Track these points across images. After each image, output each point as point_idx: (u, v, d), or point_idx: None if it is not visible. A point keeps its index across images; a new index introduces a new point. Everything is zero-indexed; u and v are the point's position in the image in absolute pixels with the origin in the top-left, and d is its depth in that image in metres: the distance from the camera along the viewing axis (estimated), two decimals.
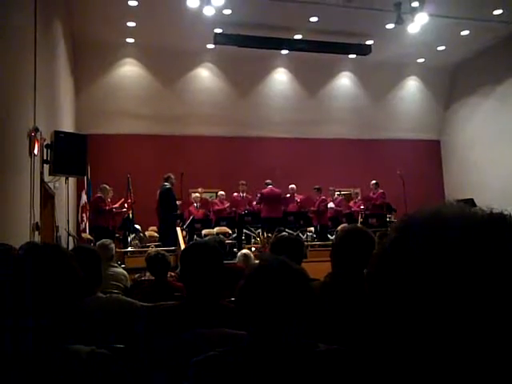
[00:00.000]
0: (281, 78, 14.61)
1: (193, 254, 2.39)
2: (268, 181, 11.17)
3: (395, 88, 15.53)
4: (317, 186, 11.61)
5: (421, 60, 14.86)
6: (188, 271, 2.36)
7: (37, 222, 6.57)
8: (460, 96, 15.39)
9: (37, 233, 6.56)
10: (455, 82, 15.54)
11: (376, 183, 11.79)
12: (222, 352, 1.46)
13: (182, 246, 8.57)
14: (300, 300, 1.44)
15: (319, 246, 10.29)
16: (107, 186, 10.15)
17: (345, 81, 15.09)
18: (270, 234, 9.88)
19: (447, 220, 0.61)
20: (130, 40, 12.88)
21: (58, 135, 7.61)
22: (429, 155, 15.75)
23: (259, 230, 10.43)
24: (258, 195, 11.10)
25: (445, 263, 0.57)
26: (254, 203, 11.38)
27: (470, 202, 12.16)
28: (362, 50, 13.11)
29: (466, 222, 0.61)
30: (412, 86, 15.70)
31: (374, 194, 11.74)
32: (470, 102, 14.95)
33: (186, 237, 9.92)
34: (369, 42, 13.01)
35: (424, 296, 0.57)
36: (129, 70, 13.44)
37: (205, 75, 14.02)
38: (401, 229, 0.65)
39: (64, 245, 8.76)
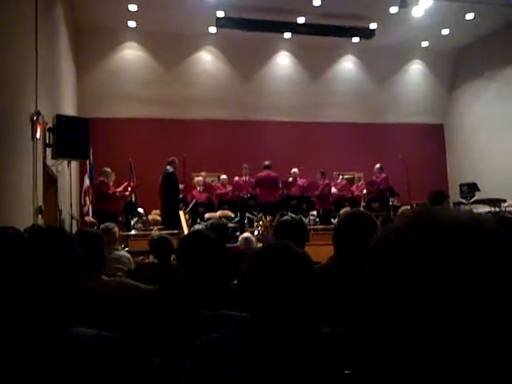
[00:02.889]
0: (283, 61, 14.52)
1: (189, 245, 2.41)
2: (266, 162, 10.89)
3: (399, 72, 15.42)
4: (322, 170, 11.58)
5: (425, 44, 14.72)
6: (186, 262, 2.38)
7: (40, 206, 6.60)
8: (464, 80, 15.27)
9: (40, 216, 6.59)
10: (459, 65, 15.42)
11: (380, 167, 11.76)
12: (224, 334, 1.47)
13: (185, 230, 8.61)
14: (303, 284, 1.45)
15: (322, 229, 10.32)
16: (109, 170, 10.14)
17: (348, 65, 14.98)
18: (272, 218, 9.91)
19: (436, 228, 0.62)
20: (132, 24, 12.79)
21: (60, 119, 7.61)
22: (432, 139, 15.68)
23: (261, 214, 10.44)
24: (255, 179, 11.01)
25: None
26: (252, 181, 11.30)
27: (473, 186, 12.08)
28: (366, 34, 12.99)
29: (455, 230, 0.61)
30: (416, 69, 15.58)
31: (377, 178, 11.72)
32: (475, 85, 14.84)
33: (188, 220, 9.95)
34: (372, 26, 12.88)
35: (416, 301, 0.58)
36: (130, 53, 13.36)
37: (207, 59, 13.94)
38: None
39: (67, 228, 8.80)
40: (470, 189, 12.35)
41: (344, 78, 14.88)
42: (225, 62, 13.99)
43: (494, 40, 13.64)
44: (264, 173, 10.80)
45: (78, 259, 1.43)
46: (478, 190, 12.22)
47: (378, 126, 15.03)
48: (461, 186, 12.86)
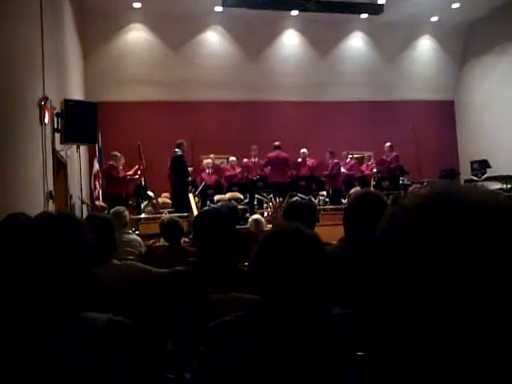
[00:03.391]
0: (291, 40, 14.36)
1: (205, 220, 2.40)
2: (276, 143, 10.92)
3: (408, 48, 15.20)
4: (330, 150, 11.52)
5: (434, 18, 14.46)
6: (201, 237, 2.38)
7: (50, 191, 6.63)
8: (475, 55, 15.02)
9: (51, 201, 6.62)
10: (470, 40, 15.16)
11: (390, 146, 11.67)
12: (237, 317, 1.47)
13: (195, 212, 8.62)
14: (314, 265, 1.44)
15: (332, 209, 10.30)
16: (118, 154, 10.16)
17: (356, 42, 14.79)
18: (281, 199, 9.90)
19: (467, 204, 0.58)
20: (137, 5, 12.68)
21: (67, 103, 7.60)
22: (443, 116, 15.51)
23: (271, 195, 10.43)
24: (266, 159, 11.05)
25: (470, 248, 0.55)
26: (261, 162, 11.30)
27: (485, 163, 11.96)
28: (374, 10, 12.78)
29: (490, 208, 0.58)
30: (425, 45, 15.35)
31: (387, 156, 11.65)
32: (485, 60, 14.59)
33: (198, 203, 9.97)
34: (381, 1, 12.65)
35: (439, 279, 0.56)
36: (136, 35, 13.28)
37: (213, 39, 13.82)
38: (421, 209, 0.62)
39: (78, 213, 8.87)
40: (481, 166, 12.24)
41: (352, 55, 14.70)
42: (231, 42, 13.87)
43: (506, 13, 13.36)
44: (274, 153, 10.82)
45: (88, 245, 1.43)
46: (489, 166, 12.10)
47: (388, 103, 14.87)
48: (472, 163, 12.75)
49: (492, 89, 14.26)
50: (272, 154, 10.84)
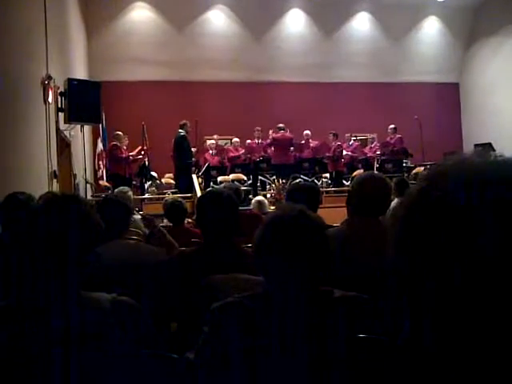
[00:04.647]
0: (296, 20, 14.19)
1: (208, 202, 2.42)
2: (280, 125, 10.89)
3: (414, 29, 15.02)
4: (333, 131, 11.47)
5: None
6: (204, 219, 2.39)
7: (54, 171, 6.64)
8: (481, 36, 14.84)
9: (55, 181, 6.64)
10: (476, 21, 14.95)
11: (394, 128, 11.61)
12: (240, 298, 1.49)
13: (198, 193, 8.64)
14: (317, 248, 1.45)
15: (334, 192, 10.30)
16: (121, 133, 10.13)
17: (362, 22, 14.61)
18: (284, 181, 9.90)
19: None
20: None
21: (71, 83, 7.56)
22: (447, 98, 15.39)
23: (274, 177, 10.43)
24: (269, 140, 11.01)
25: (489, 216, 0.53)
26: (264, 143, 11.27)
27: (489, 147, 11.91)
28: None
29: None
30: (431, 26, 15.16)
31: (391, 139, 11.60)
32: (492, 42, 14.43)
33: (201, 184, 9.98)
34: None
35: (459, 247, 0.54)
36: (140, 14, 13.15)
37: (218, 18, 13.68)
38: (432, 177, 0.61)
39: (82, 192, 8.89)
40: (485, 149, 12.18)
41: (357, 36, 14.54)
42: (236, 22, 13.73)
43: None
44: (279, 134, 10.80)
45: (92, 226, 1.44)
46: (493, 150, 12.01)
47: (392, 85, 14.76)
48: (475, 146, 12.69)
49: (498, 71, 14.12)
50: (277, 135, 10.82)
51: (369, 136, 13.46)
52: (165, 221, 5.06)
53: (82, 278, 1.40)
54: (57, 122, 7.24)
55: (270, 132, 11.14)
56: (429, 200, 0.58)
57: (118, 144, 9.95)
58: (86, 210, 1.45)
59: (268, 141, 11.12)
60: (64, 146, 7.88)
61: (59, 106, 7.36)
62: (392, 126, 11.65)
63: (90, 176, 10.23)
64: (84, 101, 7.59)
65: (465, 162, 0.60)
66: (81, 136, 8.99)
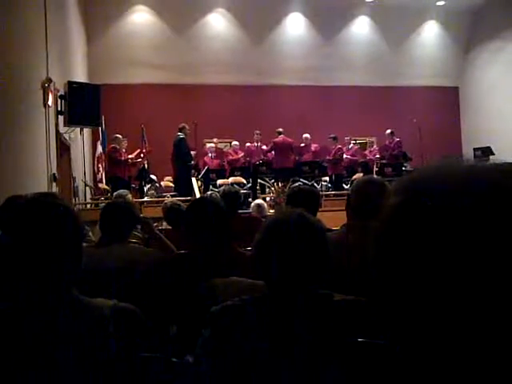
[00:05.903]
0: (295, 23, 14.22)
1: (193, 215, 2.44)
2: (279, 129, 10.93)
3: (413, 33, 15.05)
4: (332, 135, 11.48)
5: (441, 3, 14.30)
6: (192, 233, 2.41)
7: (54, 173, 6.65)
8: (481, 41, 14.87)
9: (54, 184, 6.64)
10: (476, 25, 14.98)
11: (391, 132, 11.62)
12: (239, 301, 1.49)
13: (198, 196, 8.64)
14: (317, 252, 1.46)
15: (334, 195, 10.30)
16: (120, 136, 10.12)
17: (361, 26, 14.64)
18: (284, 184, 9.90)
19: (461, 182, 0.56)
20: None
21: (71, 86, 7.58)
22: (447, 102, 15.41)
23: (274, 180, 10.44)
24: (270, 145, 11.04)
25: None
26: (264, 147, 11.28)
27: (488, 150, 11.89)
28: None
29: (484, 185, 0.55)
30: (431, 30, 15.19)
31: (390, 142, 11.61)
32: (491, 47, 14.45)
33: (201, 187, 9.98)
34: None
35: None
36: (140, 17, 13.18)
37: (218, 22, 13.71)
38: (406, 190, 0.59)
39: (81, 195, 8.89)
40: (484, 153, 12.19)
41: (357, 39, 14.57)
42: (236, 25, 13.75)
43: None
44: (280, 138, 10.81)
45: (71, 227, 1.39)
46: (492, 153, 12.05)
47: (392, 89, 14.78)
48: (475, 150, 12.70)
49: (497, 75, 14.15)
50: (278, 139, 10.83)
51: (368, 139, 13.47)
52: (164, 224, 5.06)
53: (70, 279, 1.37)
54: (56, 124, 7.25)
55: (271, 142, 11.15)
56: (409, 215, 0.57)
57: (117, 147, 9.94)
58: (65, 208, 1.41)
59: (269, 146, 11.13)
60: (64, 148, 7.89)
61: (59, 108, 7.37)
62: (388, 130, 11.67)
63: (89, 179, 10.23)
64: (84, 104, 7.60)
65: (439, 172, 0.59)
66: (80, 139, 8.99)
